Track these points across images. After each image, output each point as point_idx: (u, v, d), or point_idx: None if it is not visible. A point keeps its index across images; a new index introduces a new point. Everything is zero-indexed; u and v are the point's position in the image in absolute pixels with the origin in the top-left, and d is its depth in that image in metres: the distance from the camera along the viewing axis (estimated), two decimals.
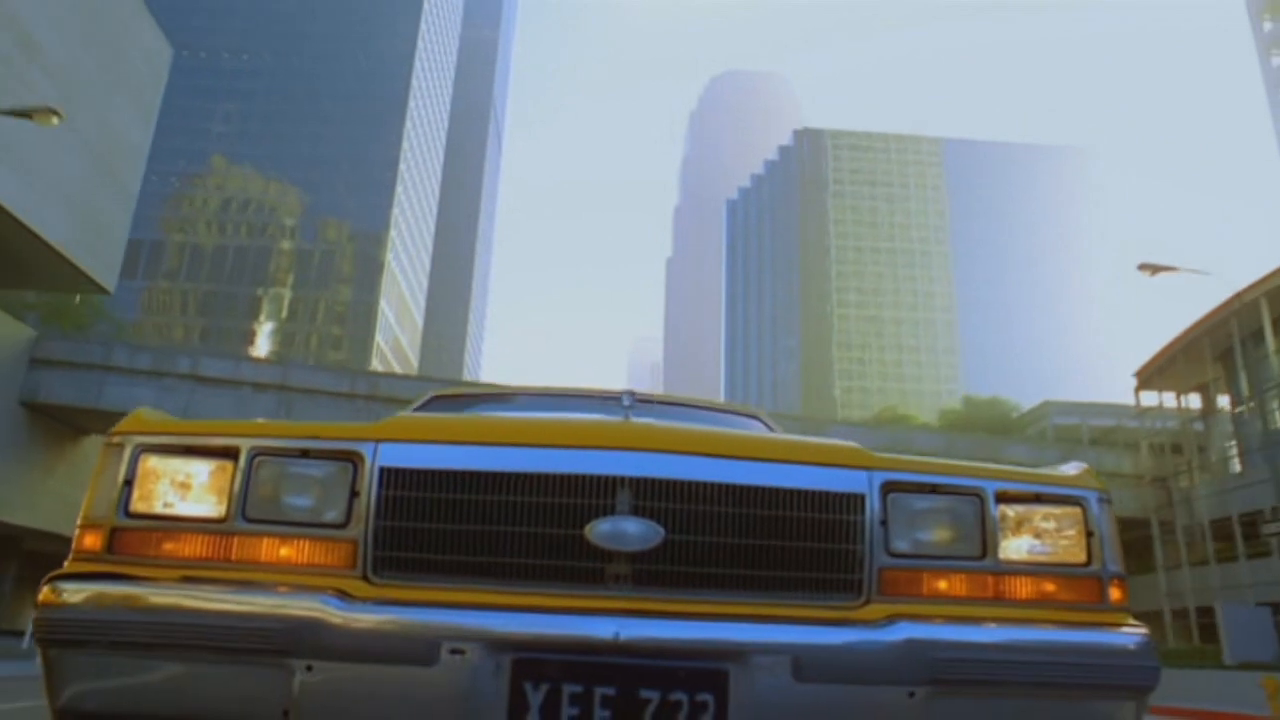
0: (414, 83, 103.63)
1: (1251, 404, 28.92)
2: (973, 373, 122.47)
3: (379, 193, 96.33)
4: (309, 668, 1.53)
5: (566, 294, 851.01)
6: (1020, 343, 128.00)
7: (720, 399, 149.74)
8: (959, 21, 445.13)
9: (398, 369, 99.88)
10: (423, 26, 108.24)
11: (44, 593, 1.63)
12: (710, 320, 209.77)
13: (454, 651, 1.53)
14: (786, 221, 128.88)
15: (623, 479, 1.67)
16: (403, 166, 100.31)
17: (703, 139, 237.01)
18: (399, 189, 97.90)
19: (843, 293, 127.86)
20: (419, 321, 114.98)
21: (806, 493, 1.72)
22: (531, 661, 1.53)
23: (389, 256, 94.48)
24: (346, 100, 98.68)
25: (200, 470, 1.73)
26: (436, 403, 3.46)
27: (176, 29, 23.60)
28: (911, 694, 1.58)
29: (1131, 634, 1.74)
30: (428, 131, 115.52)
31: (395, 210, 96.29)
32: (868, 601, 1.70)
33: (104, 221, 24.39)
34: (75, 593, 1.61)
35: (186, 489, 1.74)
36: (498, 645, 1.54)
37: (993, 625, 1.68)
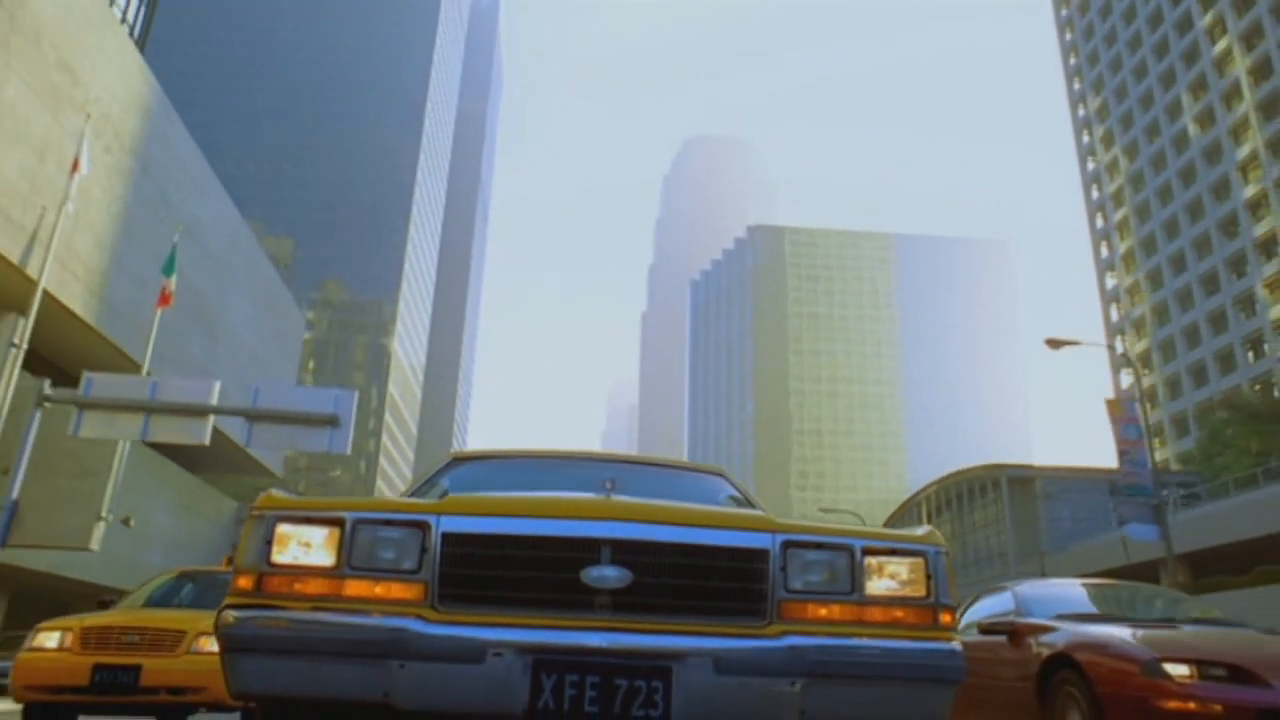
0: (417, 192, 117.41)
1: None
2: (917, 443, 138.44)
3: (387, 288, 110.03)
4: (401, 665, 2.27)
5: (549, 340, 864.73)
6: (959, 415, 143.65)
7: (686, 454, 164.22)
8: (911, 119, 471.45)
9: (399, 435, 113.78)
10: (424, 141, 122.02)
11: (221, 617, 2.36)
12: (681, 372, 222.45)
13: (495, 654, 2.27)
14: (743, 307, 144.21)
15: (606, 540, 2.41)
16: (409, 248, 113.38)
17: (674, 203, 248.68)
18: (403, 287, 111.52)
19: (798, 369, 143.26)
20: (418, 393, 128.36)
21: (730, 548, 2.46)
22: (545, 660, 2.26)
23: (395, 345, 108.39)
24: (358, 206, 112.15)
25: (317, 534, 2.45)
26: (456, 464, 4.20)
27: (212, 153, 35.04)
28: (793, 684, 2.30)
29: (949, 645, 2.45)
30: (429, 215, 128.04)
31: (401, 304, 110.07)
32: (770, 623, 2.39)
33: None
34: (240, 617, 2.35)
35: (309, 546, 2.45)
36: (523, 650, 2.27)
37: (854, 638, 2.41)
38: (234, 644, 2.34)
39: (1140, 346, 67.37)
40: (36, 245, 19.28)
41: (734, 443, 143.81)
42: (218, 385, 13.68)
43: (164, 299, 21.55)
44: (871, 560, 2.51)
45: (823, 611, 2.45)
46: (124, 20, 32.87)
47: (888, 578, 2.52)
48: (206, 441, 13.78)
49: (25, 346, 16.08)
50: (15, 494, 13.26)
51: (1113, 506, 24.21)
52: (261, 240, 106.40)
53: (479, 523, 2.45)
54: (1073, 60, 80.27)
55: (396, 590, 2.39)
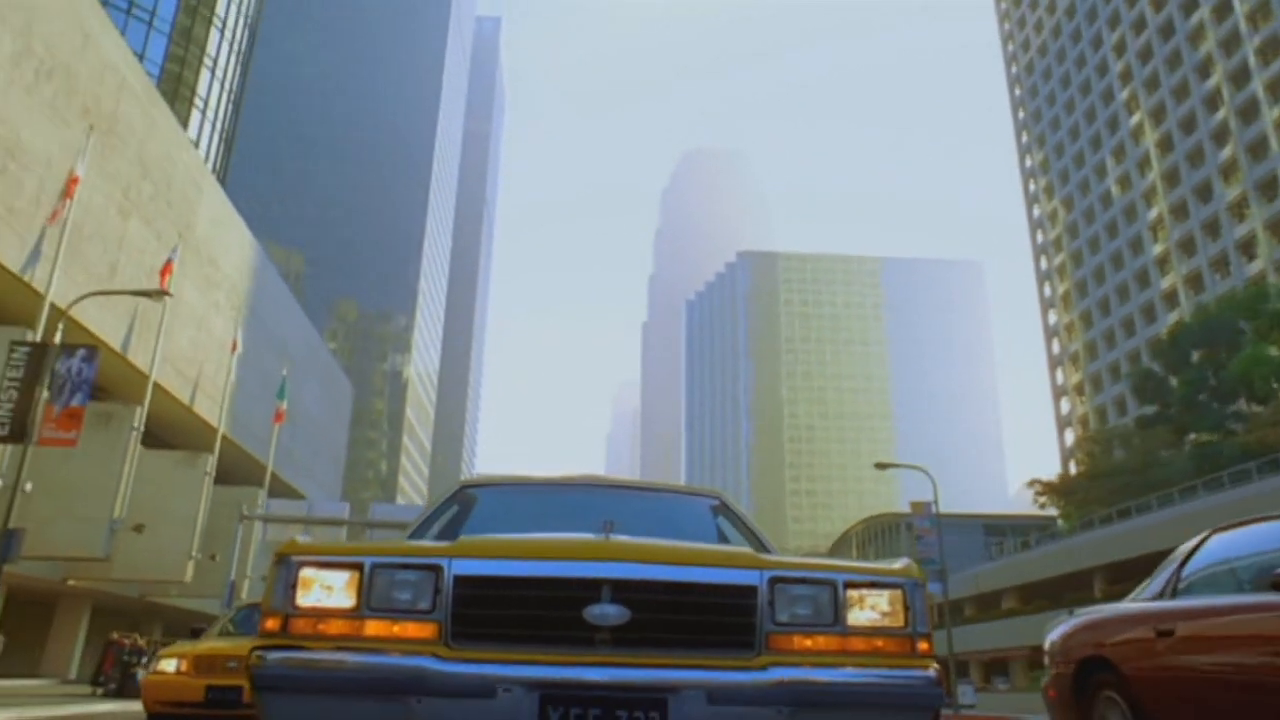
0: (429, 222, 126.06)
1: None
2: (903, 452, 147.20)
3: (403, 310, 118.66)
4: (419, 700, 2.39)
5: (554, 343, 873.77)
6: (941, 423, 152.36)
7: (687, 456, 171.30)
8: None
9: (415, 453, 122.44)
10: (434, 170, 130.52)
11: (251, 658, 2.51)
12: (682, 382, 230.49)
13: (505, 690, 2.37)
14: (737, 328, 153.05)
15: (605, 580, 2.51)
16: (423, 267, 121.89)
17: (672, 216, 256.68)
18: (417, 315, 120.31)
19: (791, 384, 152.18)
20: (431, 412, 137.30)
21: (721, 585, 2.58)
22: (552, 695, 2.38)
23: (411, 370, 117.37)
24: (375, 231, 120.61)
25: (338, 578, 2.56)
26: (463, 492, 4.29)
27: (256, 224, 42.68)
28: (780, 712, 2.40)
29: (928, 673, 2.55)
30: (439, 236, 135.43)
31: (415, 333, 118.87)
32: (759, 654, 2.50)
33: (328, 480, 47.94)
34: (269, 659, 2.48)
35: (331, 590, 2.56)
36: (532, 686, 2.38)
37: (838, 668, 2.51)
38: (264, 684, 2.48)
39: (1076, 378, 76.09)
40: (199, 391, 28.37)
41: (729, 456, 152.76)
42: (348, 506, 22.53)
43: (278, 416, 30.62)
44: (853, 593, 2.64)
45: (808, 643, 2.57)
46: (207, 159, 42.06)
47: (869, 609, 2.64)
48: (344, 539, 22.77)
49: (213, 472, 25.13)
50: (232, 575, 22.14)
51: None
52: (287, 266, 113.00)
53: (488, 565, 2.59)
54: (1021, 114, 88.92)
55: (412, 630, 2.53)
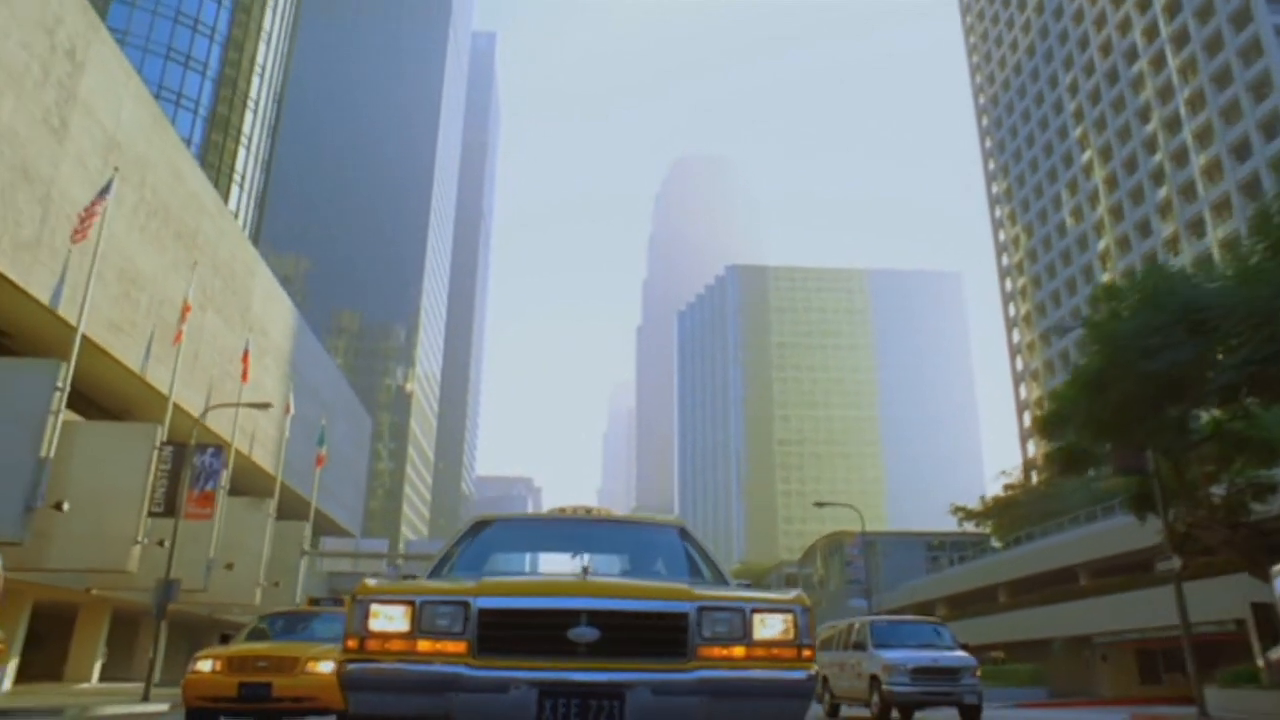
0: (430, 237, 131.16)
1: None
2: (893, 459, 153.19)
3: (406, 326, 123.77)
4: (456, 695, 3.39)
5: (551, 343, 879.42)
6: (924, 428, 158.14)
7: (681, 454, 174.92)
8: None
9: (419, 462, 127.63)
10: (435, 189, 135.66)
11: (339, 668, 3.58)
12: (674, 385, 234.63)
13: (515, 688, 3.34)
14: (727, 338, 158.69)
15: (583, 610, 3.52)
16: (424, 284, 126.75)
17: (665, 223, 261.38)
18: (420, 334, 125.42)
19: (783, 395, 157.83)
20: (434, 421, 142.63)
21: (664, 613, 3.62)
22: (547, 690, 3.38)
23: (414, 386, 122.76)
24: (380, 246, 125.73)
25: (397, 610, 3.60)
26: (477, 526, 5.38)
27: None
28: (703, 700, 3.45)
29: (804, 671, 3.63)
30: (440, 247, 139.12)
31: (419, 350, 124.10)
32: (690, 661, 3.55)
33: (353, 504, 53.49)
34: (352, 669, 3.56)
35: (392, 619, 3.59)
36: (533, 685, 3.36)
37: (744, 669, 3.58)
38: (350, 686, 3.54)
39: (1037, 394, 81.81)
40: (255, 443, 34.01)
41: (721, 460, 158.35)
42: (387, 542, 28.11)
43: (320, 461, 36.29)
44: (757, 616, 3.69)
45: (725, 652, 3.61)
46: (244, 225, 47.66)
47: (768, 627, 3.67)
48: (385, 571, 28.39)
49: (274, 514, 30.78)
50: (299, 599, 27.71)
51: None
52: (292, 274, 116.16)
53: (501, 600, 3.63)
54: (987, 143, 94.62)
55: (450, 646, 3.53)
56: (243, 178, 45.88)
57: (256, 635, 10.18)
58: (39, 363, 18.76)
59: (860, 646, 14.94)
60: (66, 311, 19.90)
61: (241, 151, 45.68)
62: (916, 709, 14.36)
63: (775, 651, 3.66)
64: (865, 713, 15.33)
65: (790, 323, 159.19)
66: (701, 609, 3.66)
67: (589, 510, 5.63)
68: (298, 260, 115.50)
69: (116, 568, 20.70)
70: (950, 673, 13.66)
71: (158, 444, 21.39)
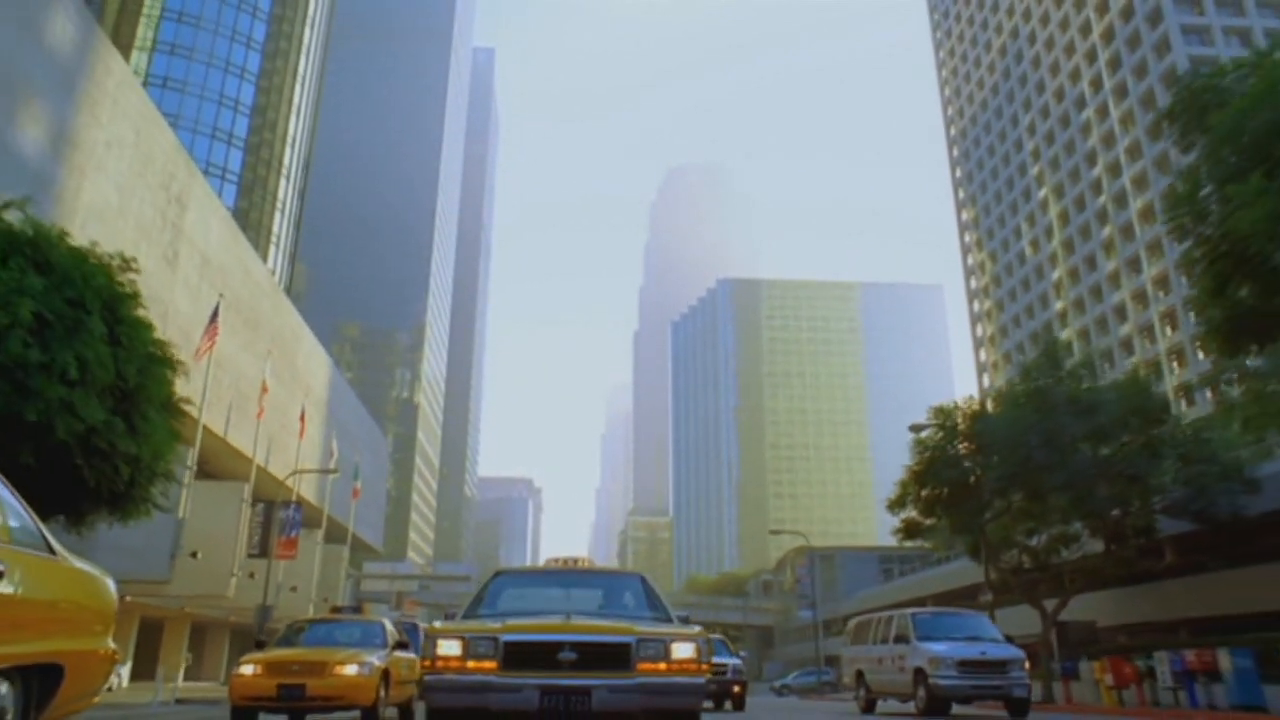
0: (435, 255, 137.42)
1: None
2: (881, 464, 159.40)
3: (411, 338, 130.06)
4: (492, 693, 5.73)
5: (549, 345, 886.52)
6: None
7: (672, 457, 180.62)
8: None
9: (425, 471, 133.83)
10: (439, 205, 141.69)
11: (421, 678, 6.20)
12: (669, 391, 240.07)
13: (525, 688, 5.68)
14: (719, 348, 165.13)
15: (567, 642, 5.81)
16: (429, 311, 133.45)
17: (660, 231, 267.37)
18: (425, 350, 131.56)
19: (774, 401, 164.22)
20: (438, 431, 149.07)
21: (618, 643, 5.86)
22: (545, 690, 5.66)
23: (422, 398, 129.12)
24: (384, 260, 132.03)
25: (453, 644, 5.88)
26: (498, 576, 7.59)
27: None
28: (641, 694, 5.72)
29: (702, 677, 5.93)
30: (443, 260, 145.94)
31: (424, 364, 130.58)
32: (633, 671, 5.76)
33: (376, 521, 59.86)
34: (428, 679, 5.93)
35: (451, 648, 5.88)
36: (536, 686, 5.67)
37: (665, 676, 5.78)
38: (428, 689, 5.75)
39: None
40: (301, 480, 40.44)
41: (714, 465, 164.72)
42: (422, 562, 34.38)
43: (355, 493, 42.72)
44: (674, 644, 5.80)
45: (654, 666, 5.68)
46: (279, 280, 54.00)
47: (681, 651, 5.80)
48: (415, 588, 34.72)
49: (323, 541, 37.19)
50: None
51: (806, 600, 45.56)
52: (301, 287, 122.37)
53: (517, 635, 5.74)
54: (957, 173, 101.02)
55: (486, 664, 5.62)
56: (279, 238, 52.28)
57: (287, 641, 11.22)
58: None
59: (902, 639, 14.54)
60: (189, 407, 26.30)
61: (277, 215, 52.05)
62: (963, 703, 14.17)
63: (685, 665, 5.79)
64: (901, 708, 15.97)
65: (781, 333, 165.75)
66: (640, 640, 5.79)
67: (576, 561, 7.90)
68: (309, 273, 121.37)
69: (219, 594, 27.19)
70: (999, 665, 13.43)
71: (246, 498, 27.85)
